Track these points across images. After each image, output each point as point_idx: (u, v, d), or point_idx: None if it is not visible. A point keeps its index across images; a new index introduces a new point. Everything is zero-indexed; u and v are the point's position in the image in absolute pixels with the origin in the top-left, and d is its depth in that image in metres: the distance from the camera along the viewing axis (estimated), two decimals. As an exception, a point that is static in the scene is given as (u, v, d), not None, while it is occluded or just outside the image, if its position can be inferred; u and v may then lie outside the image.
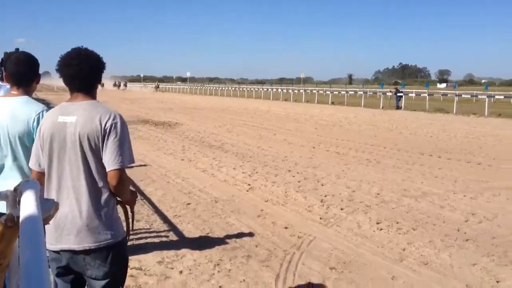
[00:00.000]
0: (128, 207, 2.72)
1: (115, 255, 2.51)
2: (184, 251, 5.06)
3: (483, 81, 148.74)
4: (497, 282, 4.34)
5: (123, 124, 2.49)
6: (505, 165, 10.35)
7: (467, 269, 4.66)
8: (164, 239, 5.52)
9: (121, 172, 2.42)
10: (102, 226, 2.46)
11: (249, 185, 8.33)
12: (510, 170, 9.87)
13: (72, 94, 2.55)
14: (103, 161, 2.42)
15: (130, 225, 2.73)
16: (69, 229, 2.42)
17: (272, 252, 5.07)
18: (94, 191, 2.45)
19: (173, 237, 5.59)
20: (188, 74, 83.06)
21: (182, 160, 10.83)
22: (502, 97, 35.51)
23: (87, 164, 2.44)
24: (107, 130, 2.41)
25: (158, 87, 77.76)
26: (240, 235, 5.62)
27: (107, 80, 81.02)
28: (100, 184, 2.46)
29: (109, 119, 2.44)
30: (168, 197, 7.41)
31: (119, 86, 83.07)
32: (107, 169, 2.42)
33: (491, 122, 21.59)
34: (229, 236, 5.57)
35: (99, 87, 2.82)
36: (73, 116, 2.44)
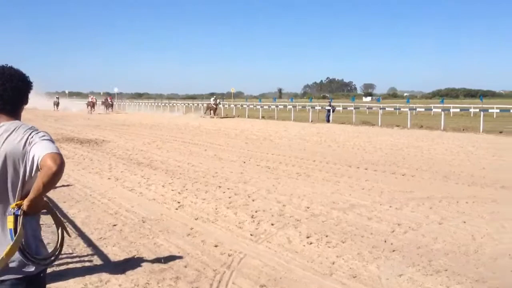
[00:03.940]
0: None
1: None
2: (108, 276, 4.82)
3: (405, 94, 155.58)
4: (423, 291, 4.44)
5: (50, 137, 2.33)
6: (427, 176, 10.78)
7: (394, 280, 4.73)
8: (87, 263, 5.23)
9: (60, 156, 2.21)
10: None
11: (178, 202, 8.15)
12: (432, 180, 10.28)
13: None
14: (34, 158, 2.22)
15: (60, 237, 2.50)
16: None
17: (201, 272, 4.94)
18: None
19: (97, 261, 5.32)
20: (115, 90, 79.00)
21: (108, 179, 10.45)
22: (423, 109, 37.29)
23: (9, 187, 2.27)
24: (32, 142, 2.24)
25: (216, 107, 41.93)
26: (168, 256, 5.43)
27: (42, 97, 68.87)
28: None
29: (36, 134, 2.28)
30: (92, 219, 7.09)
31: (108, 105, 51.86)
32: (43, 153, 2.18)
33: (413, 134, 22.54)
34: (157, 258, 5.38)
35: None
36: None
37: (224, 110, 45.55)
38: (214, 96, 45.78)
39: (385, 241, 5.99)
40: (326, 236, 6.19)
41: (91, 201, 8.30)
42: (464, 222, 6.86)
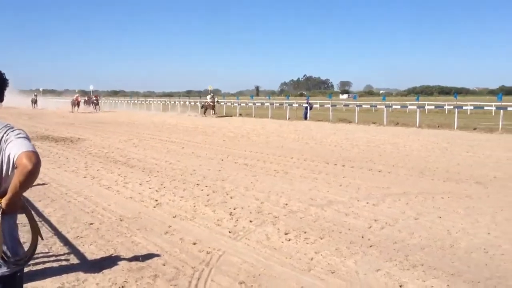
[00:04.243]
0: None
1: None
2: (86, 275, 4.77)
3: (381, 91, 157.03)
4: (400, 286, 4.50)
5: (27, 134, 2.30)
6: (403, 172, 10.91)
7: (371, 275, 4.78)
8: (64, 263, 5.16)
9: (36, 154, 2.18)
10: None
11: (156, 200, 8.09)
12: (408, 176, 10.41)
13: None
14: (9, 156, 2.19)
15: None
16: None
17: (180, 270, 4.92)
18: None
19: (74, 260, 5.25)
20: (91, 88, 77.29)
21: (84, 177, 10.33)
22: (399, 106, 37.70)
23: None
24: (8, 140, 2.20)
25: (214, 105, 38.45)
26: (146, 254, 5.40)
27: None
28: None
29: (12, 132, 2.24)
30: (69, 218, 6.99)
31: (94, 103, 47.66)
32: (19, 152, 2.16)
33: (389, 131, 22.79)
34: (135, 256, 5.33)
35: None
36: None
37: (201, 108, 45.06)
38: (212, 94, 40.57)
39: (363, 237, 6.05)
40: (305, 233, 6.22)
41: (67, 199, 8.19)
42: (440, 217, 6.97)
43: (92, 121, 31.40)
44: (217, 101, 39.98)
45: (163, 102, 54.87)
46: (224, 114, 39.26)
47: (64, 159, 13.10)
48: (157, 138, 19.38)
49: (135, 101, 61.42)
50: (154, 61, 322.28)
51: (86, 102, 50.02)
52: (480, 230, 6.35)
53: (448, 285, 4.52)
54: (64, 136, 20.24)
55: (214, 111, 38.12)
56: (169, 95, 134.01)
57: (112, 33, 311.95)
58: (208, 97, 39.48)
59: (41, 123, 28.61)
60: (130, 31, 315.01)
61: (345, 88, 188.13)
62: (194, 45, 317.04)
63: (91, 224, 6.67)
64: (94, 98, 48.85)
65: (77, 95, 49.87)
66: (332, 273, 4.85)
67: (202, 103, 40.40)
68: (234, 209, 7.49)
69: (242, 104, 43.82)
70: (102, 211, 7.39)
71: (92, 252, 5.48)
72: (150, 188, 9.11)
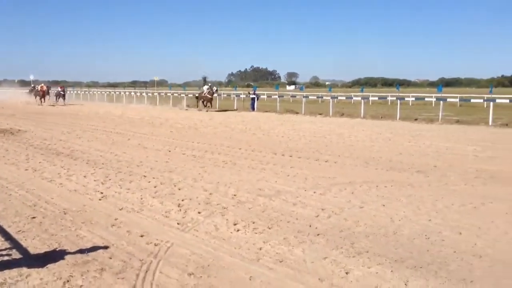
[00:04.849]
0: None
1: None
2: (29, 270, 4.61)
3: (327, 83, 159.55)
4: (346, 273, 4.61)
5: None
6: (349, 162, 11.15)
7: (319, 263, 4.88)
8: (6, 258, 4.97)
9: None
10: None
11: (101, 193, 7.92)
12: (353, 166, 10.65)
13: None
14: None
15: None
16: None
17: (127, 263, 4.84)
18: None
19: (16, 255, 5.07)
20: (31, 77, 73.96)
21: (26, 170, 9.97)
22: (344, 98, 38.51)
23: None
24: None
25: (212, 97, 32.16)
26: (92, 248, 5.28)
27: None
28: None
29: None
30: (10, 212, 6.74)
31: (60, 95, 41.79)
32: None
33: (335, 122, 23.21)
34: (80, 250, 5.20)
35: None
36: None
37: (147, 99, 44.31)
38: (209, 84, 34.57)
39: (310, 226, 6.15)
40: (253, 223, 6.27)
41: (8, 193, 7.88)
42: (384, 205, 7.18)
43: (34, 112, 30.30)
44: (216, 90, 33.62)
45: (107, 92, 53.56)
46: (218, 108, 33.90)
47: (3, 151, 12.59)
48: (102, 129, 18.95)
49: (78, 92, 59.55)
50: (97, 50, 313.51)
51: (34, 92, 44.28)
52: (422, 217, 6.58)
53: (392, 270, 4.67)
54: (3, 127, 19.43)
55: (211, 104, 32.42)
56: (114, 85, 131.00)
57: (52, 21, 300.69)
58: (205, 87, 33.31)
59: (-22, 114, 27.35)
60: (71, 19, 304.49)
61: (292, 79, 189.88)
62: (139, 34, 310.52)
63: (34, 218, 6.45)
64: (60, 89, 43.38)
65: (41, 84, 43.96)
66: (281, 262, 4.91)
67: (197, 95, 34.49)
68: (182, 200, 7.44)
69: (189, 95, 43.41)
70: (45, 205, 7.16)
71: (35, 247, 5.31)
72: (95, 180, 8.91)
